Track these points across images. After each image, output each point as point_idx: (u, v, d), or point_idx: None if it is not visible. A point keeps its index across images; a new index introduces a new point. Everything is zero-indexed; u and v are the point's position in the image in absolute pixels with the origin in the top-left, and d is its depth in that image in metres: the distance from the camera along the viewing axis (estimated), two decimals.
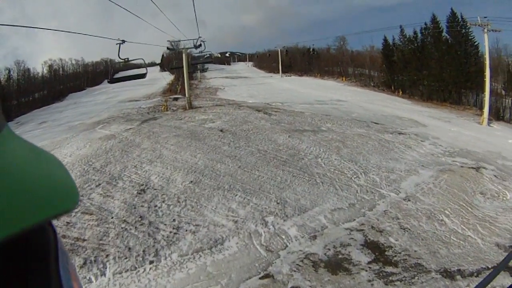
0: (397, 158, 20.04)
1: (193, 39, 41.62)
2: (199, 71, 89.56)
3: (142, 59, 30.76)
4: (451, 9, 53.87)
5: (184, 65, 40.47)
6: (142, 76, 30.14)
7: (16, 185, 0.48)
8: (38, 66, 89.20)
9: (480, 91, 45.30)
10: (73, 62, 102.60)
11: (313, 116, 29.29)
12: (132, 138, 24.75)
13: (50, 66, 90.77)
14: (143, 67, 32.44)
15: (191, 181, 15.61)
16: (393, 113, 34.01)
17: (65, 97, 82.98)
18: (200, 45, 41.71)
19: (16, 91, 76.24)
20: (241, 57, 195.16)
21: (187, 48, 41.27)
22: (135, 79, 32.01)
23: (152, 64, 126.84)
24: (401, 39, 63.05)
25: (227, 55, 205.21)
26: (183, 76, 72.64)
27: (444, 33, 55.08)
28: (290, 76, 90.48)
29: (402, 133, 25.59)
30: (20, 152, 0.57)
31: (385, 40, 66.89)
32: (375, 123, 28.27)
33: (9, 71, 76.52)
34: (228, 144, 20.94)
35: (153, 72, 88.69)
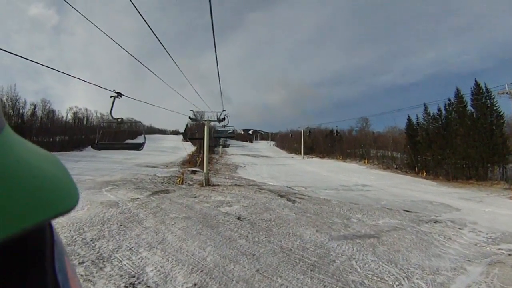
0: (439, 253, 16.25)
1: (217, 112, 39.22)
2: (220, 146, 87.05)
3: (140, 122, 26.83)
4: (475, 80, 52.22)
5: (205, 138, 37.17)
6: (137, 147, 22.35)
7: (16, 185, 0.47)
8: (63, 110, 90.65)
9: (505, 163, 44.47)
10: (98, 115, 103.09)
11: (341, 205, 25.83)
12: (136, 212, 21.50)
13: (75, 114, 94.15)
14: (139, 134, 25.95)
15: (195, 284, 11.56)
16: (422, 198, 30.99)
17: (85, 147, 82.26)
18: (224, 119, 39.33)
19: (38, 128, 76.08)
20: (264, 136, 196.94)
21: (210, 121, 38.38)
22: (128, 149, 25.25)
23: (176, 133, 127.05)
24: (425, 118, 61.96)
25: (249, 132, 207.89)
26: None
27: (468, 107, 53.37)
28: (312, 158, 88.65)
29: (438, 221, 22.25)
30: (20, 152, 0.56)
31: (409, 119, 65.88)
32: (407, 211, 25.07)
33: (35, 107, 79.90)
34: (246, 237, 17.08)
35: (176, 141, 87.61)
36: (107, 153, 65.18)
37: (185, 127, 56.67)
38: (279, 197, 28.08)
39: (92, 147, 24.64)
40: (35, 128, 74.63)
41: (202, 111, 39.55)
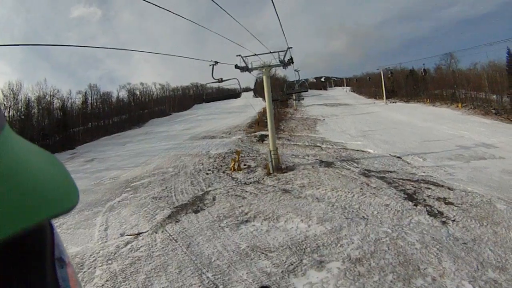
0: None
1: (278, 52, 25.55)
2: (294, 100, 73.39)
3: (236, 79, 24.84)
4: None
5: (266, 92, 25.24)
6: (236, 95, 28.08)
7: (16, 185, 0.47)
8: (123, 90, 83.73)
9: None
10: (158, 86, 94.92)
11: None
12: (139, 267, 11.85)
13: (130, 91, 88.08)
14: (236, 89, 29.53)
15: None
16: None
17: (146, 122, 77.45)
18: (290, 60, 25.64)
19: (89, 114, 71.99)
20: (337, 82, 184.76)
21: (270, 66, 25.65)
22: (228, 98, 30.52)
23: (247, 90, 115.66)
24: None
25: (322, 79, 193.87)
26: (277, 104, 59.05)
27: None
28: (395, 102, 74.89)
29: None
30: (20, 152, 0.55)
31: (510, 54, 54.80)
32: None
33: (85, 94, 74.65)
34: None
35: (247, 98, 75.83)
36: (168, 124, 59.76)
37: (254, 82, 46.06)
38: (408, 200, 15.83)
39: (204, 101, 46.78)
40: (82, 116, 70.02)
41: (254, 54, 25.85)
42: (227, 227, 14.11)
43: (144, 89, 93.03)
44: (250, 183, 20.49)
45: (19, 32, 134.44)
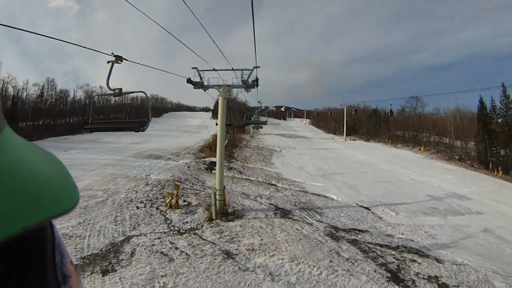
0: None
1: (242, 70, 20.25)
2: (253, 127, 68.56)
3: (144, 92, 15.04)
4: None
5: (220, 117, 20.40)
6: (136, 127, 13.72)
7: (17, 185, 0.46)
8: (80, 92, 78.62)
9: None
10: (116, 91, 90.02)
11: None
12: None
13: (87, 93, 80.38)
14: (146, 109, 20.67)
15: None
16: None
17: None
18: (255, 82, 20.49)
19: (42, 110, 65.93)
20: (297, 113, 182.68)
21: (229, 86, 20.71)
22: (126, 130, 15.82)
23: (207, 110, 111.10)
24: (504, 102, 48.37)
25: (282, 109, 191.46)
26: (233, 128, 54.93)
27: None
28: (355, 140, 72.87)
29: None
30: (21, 152, 0.55)
31: (481, 102, 52.47)
32: None
33: (43, 88, 68.66)
34: None
35: (205, 119, 72.06)
36: (116, 136, 50.33)
37: (215, 103, 40.47)
38: (393, 284, 12.00)
39: (84, 127, 16.19)
40: (34, 111, 63.87)
41: (216, 69, 20.51)
42: None
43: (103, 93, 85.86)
44: (185, 231, 15.78)
45: None
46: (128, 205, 19.32)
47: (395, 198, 24.36)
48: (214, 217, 17.38)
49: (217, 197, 18.24)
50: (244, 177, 28.99)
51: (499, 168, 40.98)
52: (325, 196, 23.89)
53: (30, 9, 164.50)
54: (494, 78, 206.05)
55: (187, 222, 16.87)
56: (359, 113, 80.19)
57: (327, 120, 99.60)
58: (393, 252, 14.18)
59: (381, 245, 14.88)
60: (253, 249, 13.61)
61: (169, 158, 36.99)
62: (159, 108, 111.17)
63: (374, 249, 14.29)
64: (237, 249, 13.78)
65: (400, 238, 16.24)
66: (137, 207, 19.04)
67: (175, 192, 19.79)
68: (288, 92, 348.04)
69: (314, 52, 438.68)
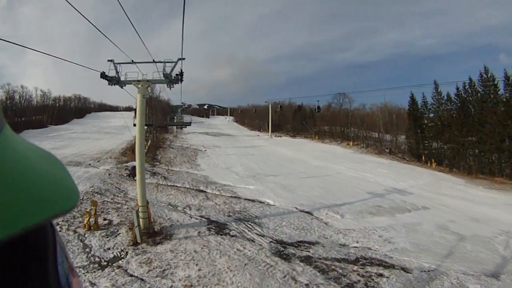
0: None
1: (164, 62, 17.14)
2: (176, 128, 66.50)
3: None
4: None
5: (138, 117, 17.10)
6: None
7: (17, 185, 0.47)
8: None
9: None
10: (39, 93, 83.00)
11: None
12: None
13: (8, 93, 74.03)
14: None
15: None
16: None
17: (19, 133, 59.78)
18: (179, 76, 17.24)
19: None
20: (220, 111, 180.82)
21: (149, 81, 17.37)
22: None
23: (130, 109, 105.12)
24: (436, 98, 48.88)
25: (205, 107, 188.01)
26: (156, 128, 51.33)
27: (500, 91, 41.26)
28: (281, 136, 72.18)
29: None
30: (21, 152, 0.55)
31: (412, 98, 52.32)
32: None
33: None
34: None
35: (128, 118, 67.58)
36: (36, 140, 44.39)
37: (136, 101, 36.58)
38: None
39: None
40: None
41: (134, 62, 17.23)
42: None
43: (25, 94, 78.87)
44: (107, 263, 12.42)
45: None
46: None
47: (335, 198, 22.86)
48: (139, 241, 14.15)
49: (141, 214, 15.06)
50: (169, 183, 25.92)
51: (432, 160, 42.07)
52: (261, 202, 21.46)
53: None
54: (421, 76, 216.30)
55: (109, 249, 13.55)
56: (284, 109, 79.32)
57: (251, 117, 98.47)
58: (355, 268, 11.85)
59: (338, 260, 12.47)
60: (191, 285, 10.36)
61: (89, 164, 33.17)
62: (82, 108, 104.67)
63: (333, 267, 11.80)
64: (171, 286, 10.58)
65: (356, 247, 14.07)
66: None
67: (93, 210, 16.30)
68: (211, 90, 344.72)
69: (239, 50, 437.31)
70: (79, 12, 9.59)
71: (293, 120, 79.69)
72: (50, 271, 0.58)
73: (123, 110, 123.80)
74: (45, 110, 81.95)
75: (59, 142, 48.55)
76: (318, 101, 71.80)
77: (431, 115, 49.17)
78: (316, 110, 61.91)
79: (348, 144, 55.47)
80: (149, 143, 42.96)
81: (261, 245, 13.73)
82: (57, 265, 0.60)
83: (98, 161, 34.55)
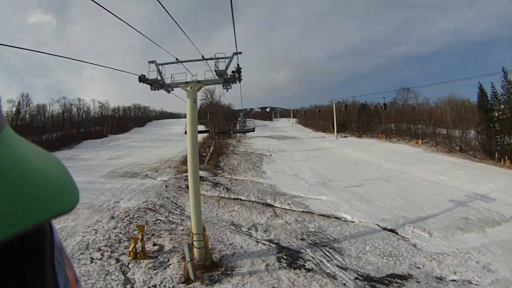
0: None
1: (216, 59, 14.92)
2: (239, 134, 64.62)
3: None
4: None
5: (189, 125, 15.01)
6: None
7: (17, 185, 0.47)
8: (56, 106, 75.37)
9: None
10: (97, 104, 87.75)
11: None
12: None
13: (65, 106, 77.29)
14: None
15: None
16: None
17: (78, 144, 66.57)
18: (236, 74, 15.35)
19: (18, 127, 59.86)
20: (282, 113, 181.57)
21: (198, 83, 15.26)
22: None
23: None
24: (505, 87, 44.64)
25: (267, 110, 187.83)
26: (218, 134, 50.73)
27: None
28: (347, 137, 69.02)
29: None
30: (21, 152, 0.55)
31: (481, 89, 48.53)
32: None
33: (19, 104, 65.55)
34: None
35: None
36: (96, 150, 49.91)
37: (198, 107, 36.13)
38: None
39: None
40: (14, 129, 59.78)
41: (180, 61, 15.59)
42: None
43: (82, 106, 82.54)
44: None
45: None
46: (81, 256, 14.51)
47: (417, 209, 20.72)
48: (192, 277, 12.30)
49: (196, 244, 13.37)
50: (232, 196, 24.47)
51: (506, 157, 37.49)
52: (337, 217, 19.52)
53: (8, 26, 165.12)
54: (484, 64, 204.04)
55: (154, 287, 11.86)
56: (348, 108, 76.39)
57: (315, 118, 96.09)
58: None
59: None
60: None
61: (146, 175, 32.38)
62: (143, 117, 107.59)
63: None
64: None
65: (455, 281, 11.91)
66: (92, 260, 14.20)
67: (140, 236, 14.81)
68: (271, 93, 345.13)
69: (294, 51, 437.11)
70: (132, 27, 9.95)
71: (358, 119, 76.60)
72: (47, 270, 0.59)
73: (184, 117, 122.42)
74: (105, 121, 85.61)
75: (118, 152, 49.19)
76: (384, 98, 68.99)
77: (502, 106, 44.84)
78: (383, 108, 59.38)
79: (417, 143, 52.36)
80: (211, 149, 42.15)
81: (345, 284, 11.68)
82: (55, 265, 0.61)
83: (156, 171, 34.01)
